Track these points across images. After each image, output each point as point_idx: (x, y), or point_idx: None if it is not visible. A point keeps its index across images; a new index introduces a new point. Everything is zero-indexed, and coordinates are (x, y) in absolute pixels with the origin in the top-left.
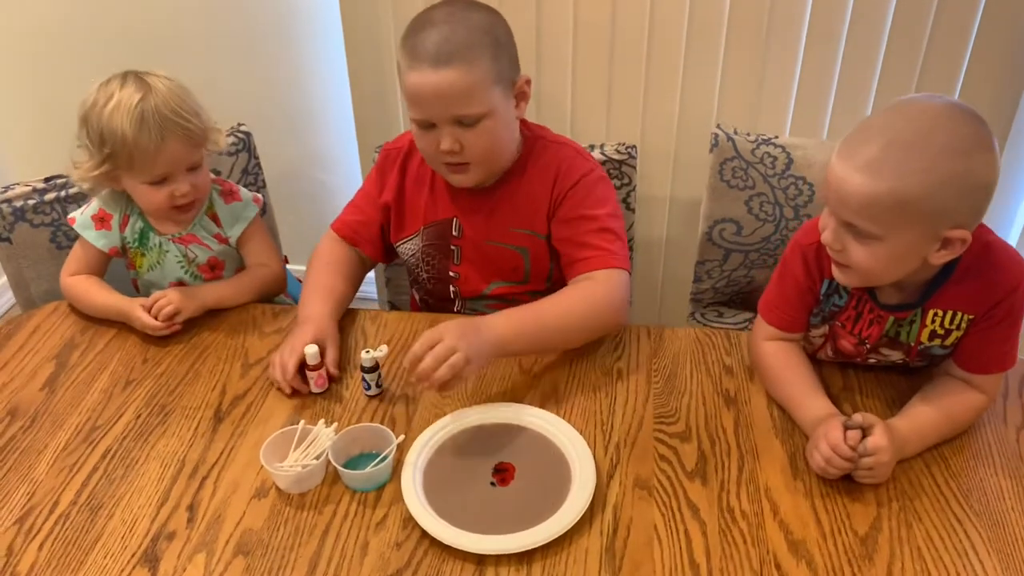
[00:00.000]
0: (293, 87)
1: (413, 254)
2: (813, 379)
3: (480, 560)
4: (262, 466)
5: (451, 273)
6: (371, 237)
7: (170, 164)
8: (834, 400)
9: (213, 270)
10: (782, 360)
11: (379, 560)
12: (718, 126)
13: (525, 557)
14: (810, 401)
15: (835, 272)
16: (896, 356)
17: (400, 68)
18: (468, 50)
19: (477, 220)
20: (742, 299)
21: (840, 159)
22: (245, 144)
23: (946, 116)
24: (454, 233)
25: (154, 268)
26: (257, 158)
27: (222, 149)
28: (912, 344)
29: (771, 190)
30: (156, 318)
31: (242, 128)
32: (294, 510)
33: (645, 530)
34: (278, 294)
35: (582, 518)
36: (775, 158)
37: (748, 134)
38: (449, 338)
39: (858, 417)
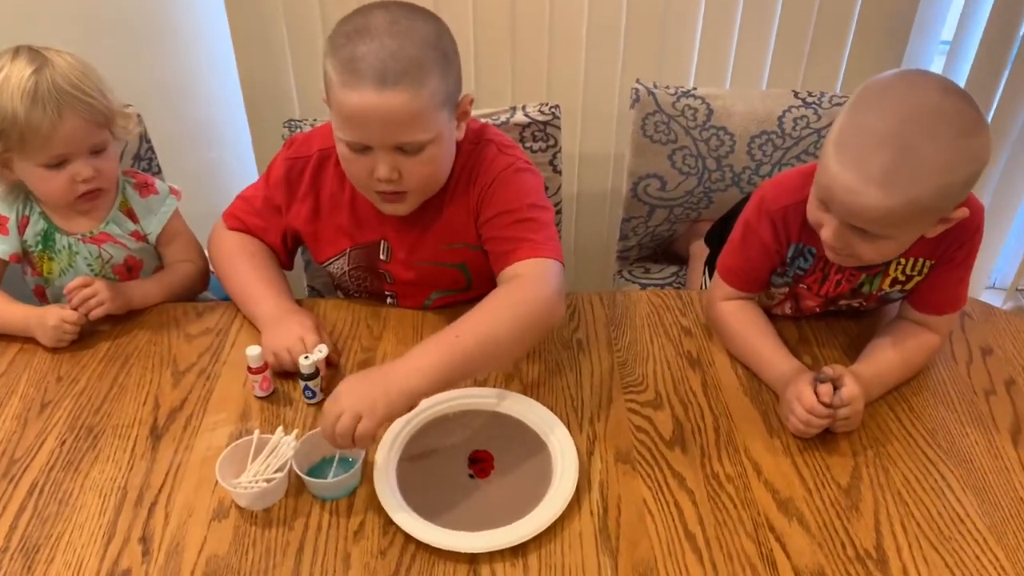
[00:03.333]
0: (169, 57)
1: (341, 273)
2: (775, 336)
3: (473, 559)
4: (216, 484)
5: (385, 292)
6: (273, 244)
7: (68, 144)
8: (792, 352)
9: (130, 271)
10: (743, 319)
11: (364, 571)
12: (638, 81)
13: (519, 550)
14: (776, 359)
15: (830, 255)
16: (855, 303)
17: (330, 79)
18: (417, 69)
19: (407, 241)
20: (663, 252)
21: (846, 168)
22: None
23: (946, 106)
24: (382, 257)
25: (66, 272)
26: (149, 141)
27: (131, 136)
28: (874, 292)
29: (693, 143)
30: (75, 309)
31: (129, 108)
32: (261, 529)
33: (635, 506)
34: (202, 292)
35: (571, 502)
36: (695, 110)
37: (668, 87)
38: (338, 402)
39: (828, 370)
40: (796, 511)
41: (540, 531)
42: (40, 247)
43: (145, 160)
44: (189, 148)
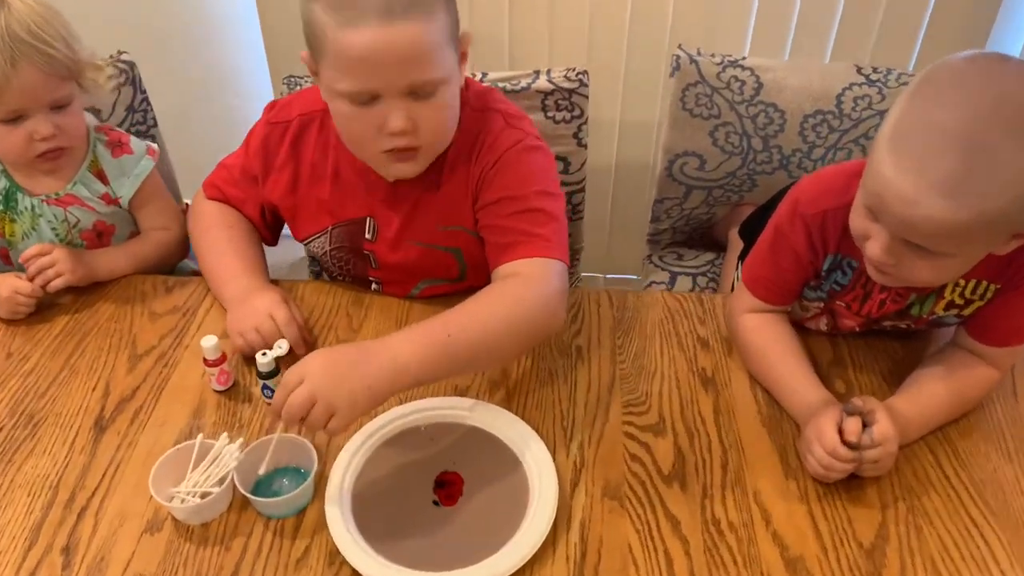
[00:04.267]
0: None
1: (323, 253)
2: (803, 358)
3: None
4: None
5: (370, 277)
6: (252, 217)
7: (24, 97)
8: (823, 376)
9: (100, 237)
10: (767, 336)
11: None
12: (680, 47)
13: None
14: (801, 386)
15: (873, 273)
16: (901, 324)
17: (318, 26)
18: None
19: (397, 219)
20: (701, 237)
21: (903, 172)
22: (129, 76)
23: (1013, 89)
24: (367, 236)
25: (29, 236)
26: (144, 92)
27: (104, 90)
28: (924, 316)
29: (738, 119)
30: (32, 279)
31: (124, 57)
32: (195, 547)
33: (619, 551)
34: (180, 261)
35: (545, 541)
36: (743, 82)
37: (713, 55)
38: (310, 383)
39: (857, 402)
40: (805, 572)
41: (507, 575)
42: (1, 208)
43: (140, 112)
44: (215, 93)
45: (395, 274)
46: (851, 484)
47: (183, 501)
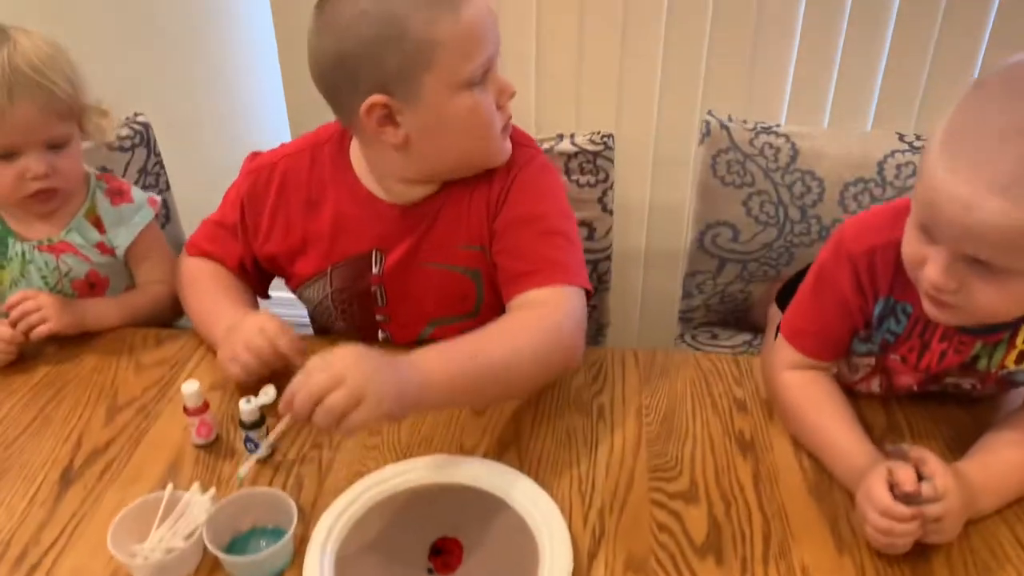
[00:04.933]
0: (214, 74)
1: (320, 301)
2: (851, 418)
3: None
4: None
5: (377, 317)
6: (234, 271)
7: (18, 132)
8: (876, 444)
9: (92, 289)
10: (811, 394)
11: None
12: (710, 112)
13: None
14: (850, 446)
15: (931, 310)
16: (965, 384)
17: (420, 30)
18: None
19: (409, 240)
20: (737, 318)
21: (957, 173)
22: (143, 137)
23: None
24: (374, 270)
25: (17, 283)
26: (158, 155)
27: (109, 138)
28: (992, 371)
29: (773, 187)
30: (14, 325)
31: (139, 118)
32: None
33: None
34: (175, 319)
35: None
36: (777, 149)
37: (745, 121)
38: (339, 365)
39: (904, 446)
40: None
41: None
42: None
43: (152, 175)
44: (221, 169)
45: (404, 309)
46: (916, 561)
47: (146, 559)
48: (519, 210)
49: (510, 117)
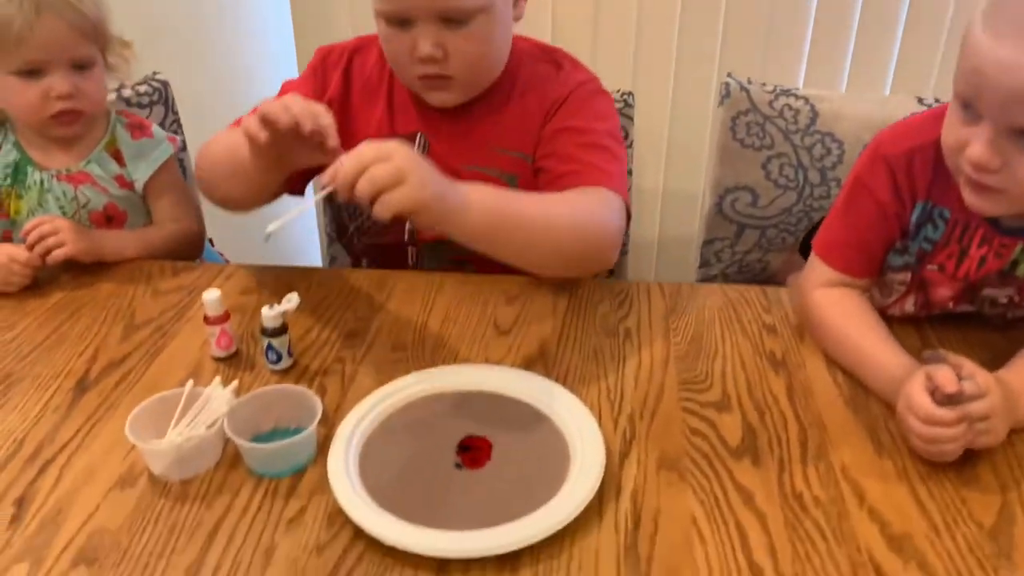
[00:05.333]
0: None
1: None
2: (885, 331)
3: (441, 567)
4: (132, 448)
5: None
6: None
7: (45, 48)
8: None
9: (110, 222)
10: (844, 310)
11: (290, 570)
12: (729, 75)
13: (508, 562)
14: (884, 357)
15: (971, 199)
16: (1002, 296)
17: None
18: None
19: (451, 139)
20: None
21: (1000, 39)
22: (162, 95)
23: None
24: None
25: (34, 213)
26: (176, 113)
27: (129, 69)
28: None
29: (793, 149)
30: (31, 248)
31: (157, 76)
32: (171, 503)
33: (680, 524)
34: (193, 259)
35: (589, 507)
36: (797, 111)
37: (764, 84)
38: (391, 145)
39: (940, 351)
40: (915, 552)
41: (540, 539)
42: (9, 181)
43: (170, 132)
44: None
45: None
46: (961, 466)
47: (166, 447)
48: (569, 122)
49: (438, 75)
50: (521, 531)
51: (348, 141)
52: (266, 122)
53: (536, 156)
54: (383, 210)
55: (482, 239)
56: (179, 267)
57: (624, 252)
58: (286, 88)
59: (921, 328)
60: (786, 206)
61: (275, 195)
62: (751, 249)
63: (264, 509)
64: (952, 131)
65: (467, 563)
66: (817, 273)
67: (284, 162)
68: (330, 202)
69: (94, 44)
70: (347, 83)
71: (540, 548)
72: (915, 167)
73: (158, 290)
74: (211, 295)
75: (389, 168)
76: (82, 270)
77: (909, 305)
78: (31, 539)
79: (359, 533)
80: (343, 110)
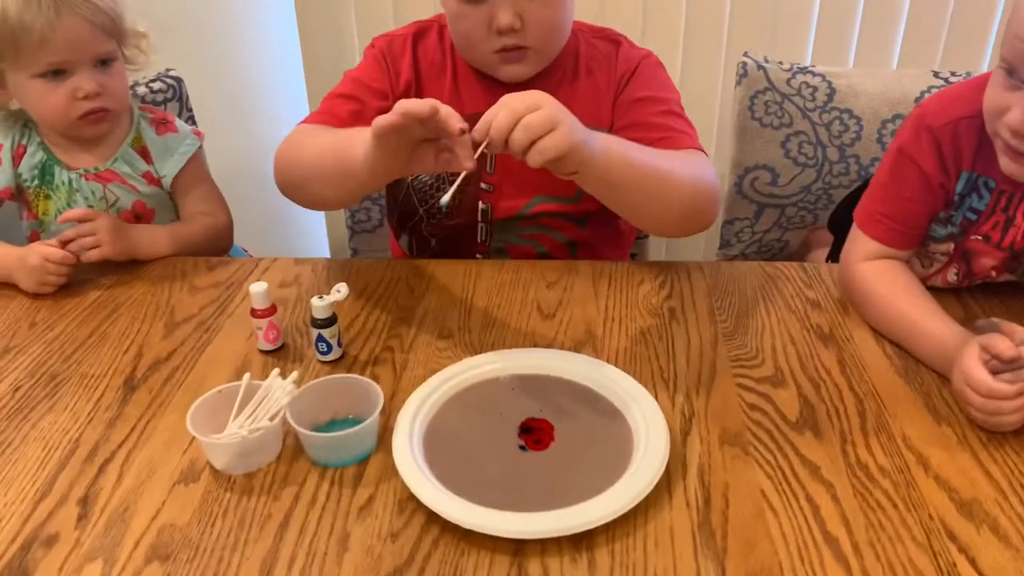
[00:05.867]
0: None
1: None
2: (930, 300)
3: (518, 548)
4: (191, 440)
5: (483, 185)
6: None
7: (69, 49)
8: None
9: (138, 220)
10: (888, 282)
11: (367, 558)
12: (746, 54)
13: (583, 541)
14: (932, 326)
15: (1007, 165)
16: None
17: None
18: None
19: None
20: None
21: None
22: (176, 91)
23: None
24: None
25: (62, 213)
26: (190, 109)
27: (147, 60)
28: None
29: (811, 127)
30: (65, 244)
31: (171, 73)
32: (237, 497)
33: (751, 498)
34: (223, 253)
35: (658, 485)
36: (814, 88)
37: (781, 62)
38: (536, 94)
39: (994, 320)
40: (986, 516)
41: (614, 518)
42: (37, 182)
43: None
44: (250, 117)
45: (511, 180)
46: (1019, 432)
47: (228, 441)
48: (643, 92)
49: (517, 46)
50: (595, 510)
51: None
52: (407, 115)
53: (615, 127)
54: (538, 157)
55: (613, 186)
56: (213, 263)
57: (645, 235)
58: (352, 78)
59: (962, 298)
60: (805, 184)
61: (365, 197)
62: (771, 228)
63: (333, 498)
64: (994, 96)
65: (543, 543)
66: (860, 245)
67: (402, 160)
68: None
69: (114, 39)
70: (416, 68)
71: (614, 527)
72: (960, 137)
73: (195, 286)
74: (259, 288)
75: (542, 116)
76: (116, 267)
77: (951, 275)
78: (100, 538)
79: (432, 518)
80: (417, 94)
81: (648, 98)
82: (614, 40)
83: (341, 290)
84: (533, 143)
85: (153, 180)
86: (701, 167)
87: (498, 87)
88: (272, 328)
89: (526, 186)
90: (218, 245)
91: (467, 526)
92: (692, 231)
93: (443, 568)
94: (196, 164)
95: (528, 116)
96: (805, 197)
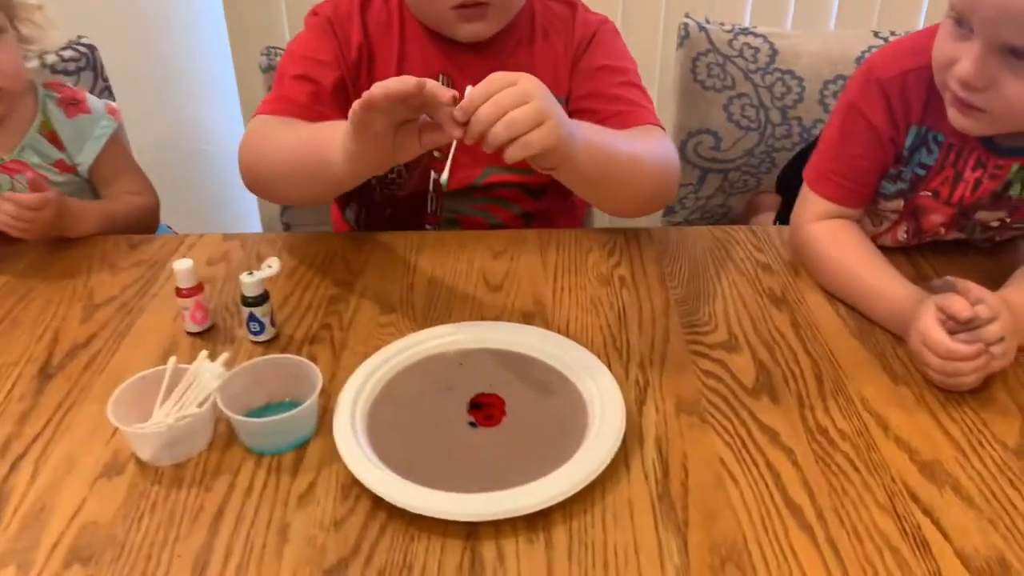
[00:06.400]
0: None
1: None
2: (882, 260)
3: (471, 532)
4: (113, 433)
5: (435, 153)
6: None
7: None
8: None
9: None
10: (840, 242)
11: (308, 548)
12: (687, 15)
13: (540, 520)
14: (885, 285)
15: (955, 118)
16: (994, 220)
17: None
18: None
19: (477, 79)
20: None
21: None
22: (89, 60)
23: None
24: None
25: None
26: (106, 79)
27: (49, 44)
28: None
29: (754, 89)
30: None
31: (83, 40)
32: (166, 489)
33: (710, 467)
34: (150, 233)
35: (615, 459)
36: (756, 50)
37: (722, 24)
38: (525, 82)
39: (949, 279)
40: (948, 476)
41: (571, 494)
42: None
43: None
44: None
45: (463, 149)
46: (977, 389)
47: (154, 429)
48: (603, 61)
49: (469, 4)
50: (550, 488)
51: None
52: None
53: (573, 96)
54: (520, 151)
55: (587, 179)
56: (136, 241)
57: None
58: (300, 55)
59: (912, 257)
60: (748, 148)
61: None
62: (714, 194)
63: (270, 487)
64: (943, 47)
65: (497, 525)
66: (810, 205)
67: (384, 150)
68: None
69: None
70: (365, 30)
71: (571, 504)
72: (909, 90)
73: (116, 266)
74: (183, 265)
75: (529, 112)
76: (28, 247)
77: (901, 233)
78: (13, 541)
79: (378, 503)
80: (368, 59)
81: (607, 67)
82: (569, 3)
83: (272, 265)
84: (516, 138)
85: (67, 168)
86: (666, 148)
87: (451, 47)
88: (199, 308)
89: (479, 155)
90: (146, 225)
91: (416, 510)
92: (654, 211)
93: (391, 556)
94: (115, 147)
95: (513, 112)
96: (748, 161)
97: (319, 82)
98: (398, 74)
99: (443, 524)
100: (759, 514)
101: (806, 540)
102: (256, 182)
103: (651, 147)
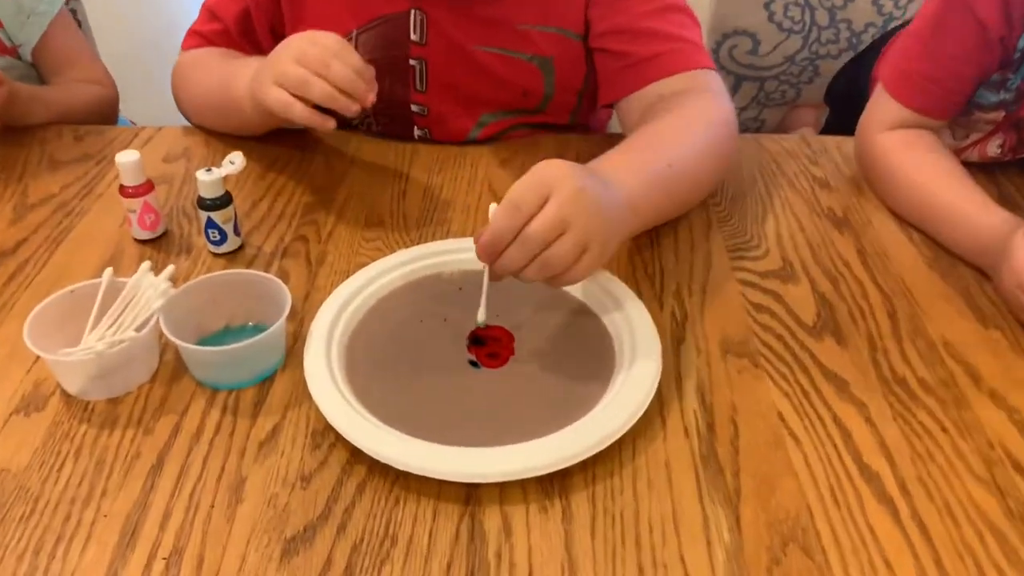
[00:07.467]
0: None
1: None
2: (971, 180)
3: (470, 495)
4: (35, 360)
5: (413, 108)
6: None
7: None
8: None
9: None
10: (917, 156)
11: (268, 510)
12: None
13: (555, 484)
14: (975, 213)
15: None
16: None
17: None
18: None
19: (457, 14)
20: None
21: None
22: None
23: None
24: (413, 37)
25: None
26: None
27: None
28: None
29: None
30: None
31: None
32: (96, 430)
33: (765, 423)
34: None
35: (648, 411)
36: None
37: None
38: (560, 196)
39: None
40: None
41: (594, 453)
42: None
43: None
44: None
45: (449, 100)
46: None
47: (82, 357)
48: None
49: None
50: (569, 445)
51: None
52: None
53: (593, 32)
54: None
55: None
56: (81, 132)
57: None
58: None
59: (995, 177)
60: (789, 53)
61: None
62: (748, 105)
63: (224, 431)
64: None
65: (503, 488)
66: (884, 112)
67: None
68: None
69: None
70: None
71: (594, 465)
72: None
73: (57, 160)
74: (127, 157)
75: (569, 243)
76: None
77: (993, 147)
78: None
79: (357, 456)
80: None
81: None
82: None
83: (235, 161)
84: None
85: (6, 49)
86: (721, 117)
87: None
88: (149, 211)
89: (469, 109)
90: (102, 119)
91: (402, 467)
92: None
93: (371, 523)
94: (63, 28)
95: (553, 249)
96: (788, 69)
97: (223, 19)
98: (350, 7)
99: (436, 485)
100: (828, 481)
101: (886, 517)
102: (191, 119)
103: (706, 135)
